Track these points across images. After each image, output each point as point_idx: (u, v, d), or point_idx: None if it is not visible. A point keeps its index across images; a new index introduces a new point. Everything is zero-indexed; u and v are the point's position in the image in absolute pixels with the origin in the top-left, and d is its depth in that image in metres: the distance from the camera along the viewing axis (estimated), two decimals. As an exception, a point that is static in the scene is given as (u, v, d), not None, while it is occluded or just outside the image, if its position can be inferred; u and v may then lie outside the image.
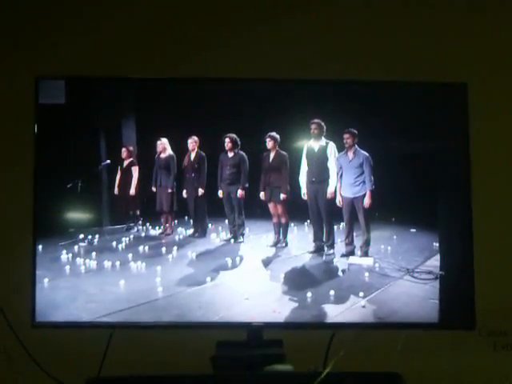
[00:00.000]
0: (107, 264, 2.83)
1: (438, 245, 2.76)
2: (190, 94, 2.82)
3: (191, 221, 3.01)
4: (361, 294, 2.73)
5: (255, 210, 2.98)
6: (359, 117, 2.80)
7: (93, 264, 2.82)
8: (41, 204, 2.70)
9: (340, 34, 3.19)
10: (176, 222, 3.01)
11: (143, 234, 3.00)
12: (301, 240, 2.96)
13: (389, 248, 2.88)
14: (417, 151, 2.79)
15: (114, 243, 2.95)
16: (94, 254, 2.85)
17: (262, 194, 2.96)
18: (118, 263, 2.84)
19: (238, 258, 2.86)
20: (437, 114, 2.77)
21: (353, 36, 3.19)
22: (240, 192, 2.95)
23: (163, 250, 2.92)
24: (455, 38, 3.18)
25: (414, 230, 2.91)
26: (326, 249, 2.90)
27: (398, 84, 2.81)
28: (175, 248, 2.93)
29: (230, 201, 2.98)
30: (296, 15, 3.21)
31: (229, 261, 2.85)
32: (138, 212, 2.98)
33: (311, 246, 2.91)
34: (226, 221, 2.99)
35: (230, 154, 2.94)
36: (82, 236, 2.85)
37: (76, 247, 2.84)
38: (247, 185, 2.96)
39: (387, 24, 3.21)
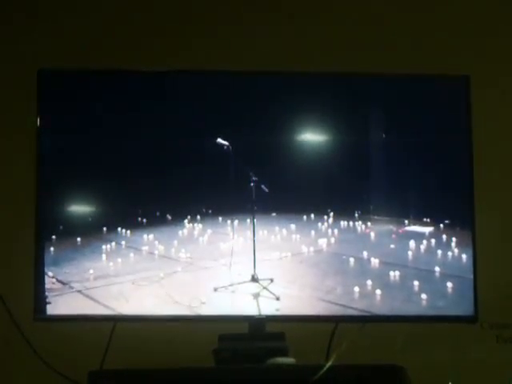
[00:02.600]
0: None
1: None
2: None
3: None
4: (364, 287, 2.73)
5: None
6: (359, 111, 2.79)
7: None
8: (44, 195, 2.69)
9: (340, 26, 3.21)
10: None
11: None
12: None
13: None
14: (418, 146, 2.78)
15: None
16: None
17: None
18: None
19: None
20: (439, 107, 2.77)
21: (354, 28, 3.20)
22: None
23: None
24: (457, 28, 3.18)
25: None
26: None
27: (399, 77, 2.79)
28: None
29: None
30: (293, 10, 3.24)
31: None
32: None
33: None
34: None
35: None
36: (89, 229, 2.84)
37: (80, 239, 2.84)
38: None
39: (389, 15, 3.22)
